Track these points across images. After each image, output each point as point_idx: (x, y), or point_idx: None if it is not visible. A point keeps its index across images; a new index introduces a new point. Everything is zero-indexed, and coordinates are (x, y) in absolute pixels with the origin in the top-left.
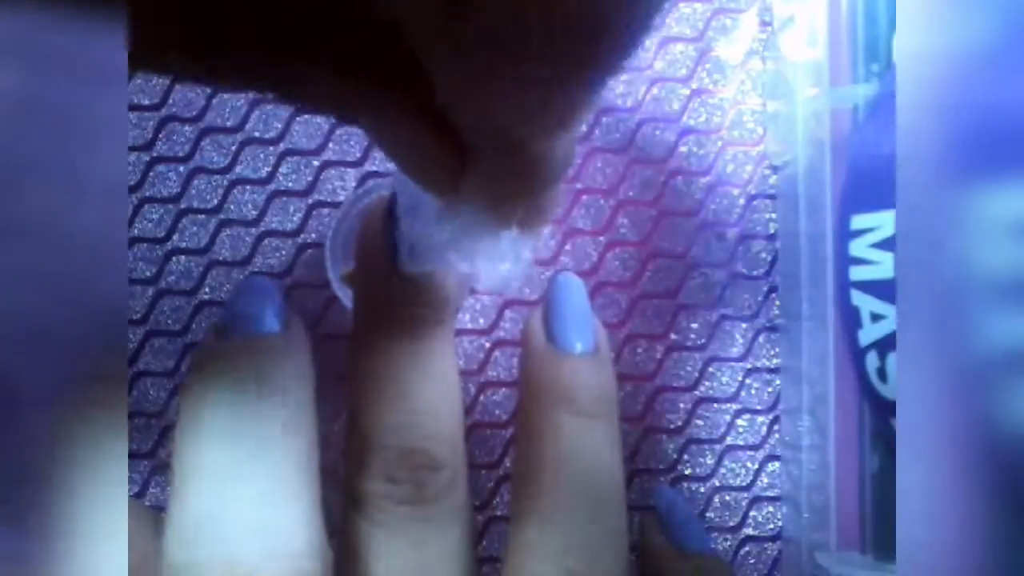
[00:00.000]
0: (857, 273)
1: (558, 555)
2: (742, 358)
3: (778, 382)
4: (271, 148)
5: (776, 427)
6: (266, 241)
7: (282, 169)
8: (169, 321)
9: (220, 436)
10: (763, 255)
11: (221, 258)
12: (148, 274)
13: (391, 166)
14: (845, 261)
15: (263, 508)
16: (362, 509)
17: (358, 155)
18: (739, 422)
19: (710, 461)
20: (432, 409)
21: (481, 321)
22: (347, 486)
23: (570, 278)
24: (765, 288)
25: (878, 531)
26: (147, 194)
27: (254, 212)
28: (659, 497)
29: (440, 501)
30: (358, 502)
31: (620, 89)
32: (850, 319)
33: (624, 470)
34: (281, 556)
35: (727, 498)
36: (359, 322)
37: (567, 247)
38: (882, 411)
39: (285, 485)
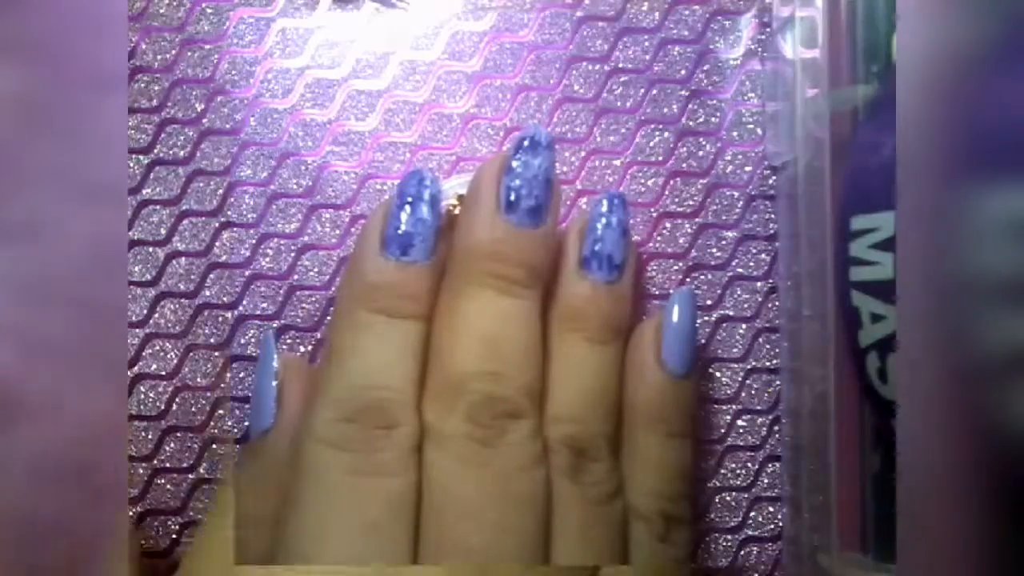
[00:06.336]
0: (857, 274)
1: (564, 439)
2: (742, 358)
3: (778, 382)
4: (271, 150)
5: (776, 427)
6: (266, 243)
7: (282, 172)
8: (169, 324)
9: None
10: (763, 255)
11: (221, 260)
12: (148, 277)
13: (393, 169)
14: (845, 262)
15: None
16: (444, 445)
17: (359, 156)
18: (739, 422)
19: (710, 461)
20: (519, 362)
21: None
22: (428, 423)
23: (611, 200)
24: (765, 288)
25: (879, 531)
26: (147, 196)
27: (254, 214)
28: (675, 299)
29: (520, 446)
30: (440, 439)
31: (619, 91)
32: (850, 319)
33: None
34: (400, 398)
35: (727, 499)
36: (456, 266)
37: None
38: (882, 411)
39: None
